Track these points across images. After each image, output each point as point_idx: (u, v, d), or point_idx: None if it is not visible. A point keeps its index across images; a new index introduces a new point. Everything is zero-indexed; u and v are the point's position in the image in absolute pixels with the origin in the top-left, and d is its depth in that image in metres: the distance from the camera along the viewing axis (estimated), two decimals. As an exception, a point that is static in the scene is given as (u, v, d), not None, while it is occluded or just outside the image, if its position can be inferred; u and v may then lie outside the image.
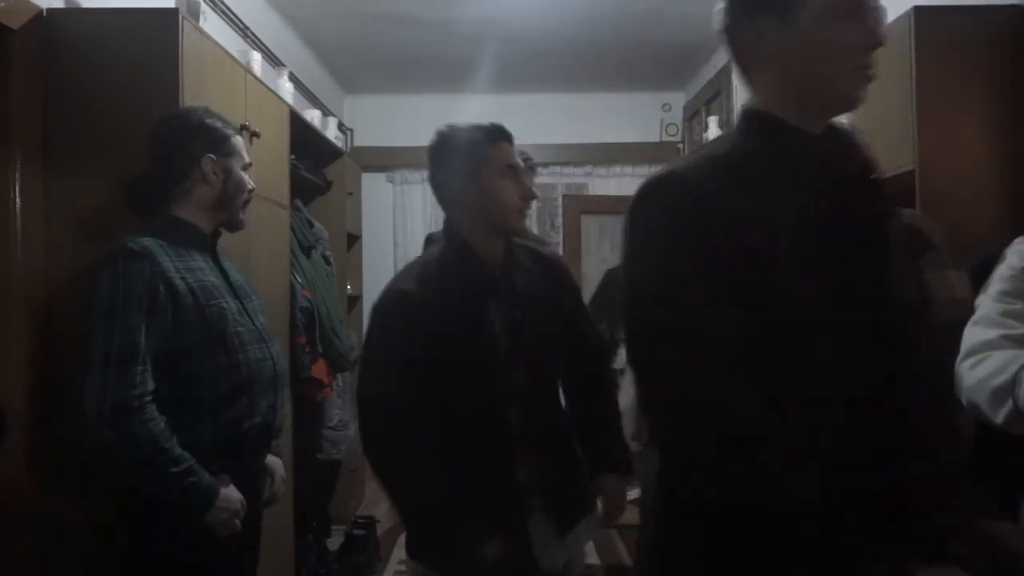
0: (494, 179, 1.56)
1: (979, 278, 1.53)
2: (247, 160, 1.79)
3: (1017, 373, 1.18)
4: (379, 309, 1.58)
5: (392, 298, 1.56)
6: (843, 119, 1.13)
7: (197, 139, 1.70)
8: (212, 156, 1.70)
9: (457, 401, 1.54)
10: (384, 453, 1.54)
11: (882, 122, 2.02)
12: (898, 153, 2.07)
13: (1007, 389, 1.18)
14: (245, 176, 1.77)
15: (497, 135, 1.60)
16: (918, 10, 2.06)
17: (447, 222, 1.65)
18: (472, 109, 5.48)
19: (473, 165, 1.56)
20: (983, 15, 2.11)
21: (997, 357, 1.25)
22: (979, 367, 1.27)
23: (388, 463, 1.54)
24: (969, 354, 1.32)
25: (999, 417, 1.20)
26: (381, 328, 1.57)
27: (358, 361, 1.49)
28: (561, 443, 1.68)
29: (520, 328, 1.57)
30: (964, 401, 1.31)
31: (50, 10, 1.99)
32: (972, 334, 1.34)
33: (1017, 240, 1.42)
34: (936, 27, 2.06)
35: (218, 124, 1.74)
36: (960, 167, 2.05)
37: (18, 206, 1.88)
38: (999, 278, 1.38)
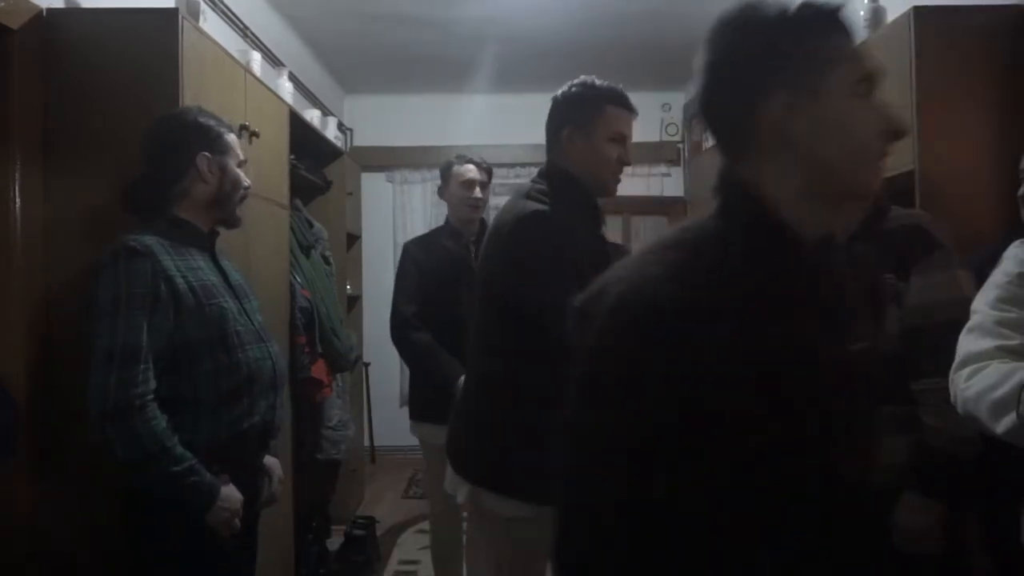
0: (844, 99, 0.83)
1: (977, 280, 1.52)
2: (242, 157, 1.79)
3: (1020, 385, 1.16)
4: (642, 323, 0.80)
5: (668, 308, 0.79)
6: None
7: (191, 138, 1.71)
8: (207, 154, 1.70)
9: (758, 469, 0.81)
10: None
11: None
12: (898, 153, 2.06)
13: (1009, 402, 1.17)
14: (241, 173, 1.78)
15: (840, 28, 0.86)
16: (918, 10, 2.06)
17: (734, 184, 0.91)
18: (472, 109, 5.52)
19: (808, 71, 0.84)
20: (983, 15, 2.10)
21: (996, 368, 1.23)
22: (977, 378, 1.26)
23: None
24: (964, 364, 1.30)
25: (1000, 428, 1.19)
26: (640, 351, 0.79)
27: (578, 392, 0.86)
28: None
29: (862, 361, 0.90)
30: (961, 411, 1.30)
31: (50, 10, 1.99)
32: (967, 342, 1.33)
33: (1014, 244, 1.40)
34: (936, 27, 2.06)
35: (211, 122, 1.75)
36: (960, 167, 2.05)
37: (18, 206, 1.88)
38: (995, 284, 1.36)
